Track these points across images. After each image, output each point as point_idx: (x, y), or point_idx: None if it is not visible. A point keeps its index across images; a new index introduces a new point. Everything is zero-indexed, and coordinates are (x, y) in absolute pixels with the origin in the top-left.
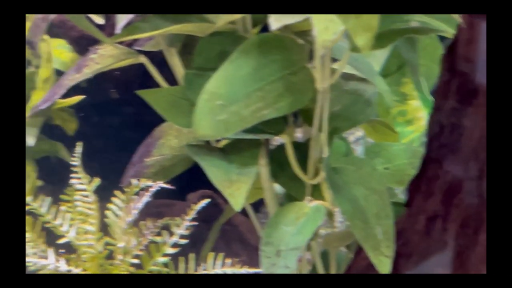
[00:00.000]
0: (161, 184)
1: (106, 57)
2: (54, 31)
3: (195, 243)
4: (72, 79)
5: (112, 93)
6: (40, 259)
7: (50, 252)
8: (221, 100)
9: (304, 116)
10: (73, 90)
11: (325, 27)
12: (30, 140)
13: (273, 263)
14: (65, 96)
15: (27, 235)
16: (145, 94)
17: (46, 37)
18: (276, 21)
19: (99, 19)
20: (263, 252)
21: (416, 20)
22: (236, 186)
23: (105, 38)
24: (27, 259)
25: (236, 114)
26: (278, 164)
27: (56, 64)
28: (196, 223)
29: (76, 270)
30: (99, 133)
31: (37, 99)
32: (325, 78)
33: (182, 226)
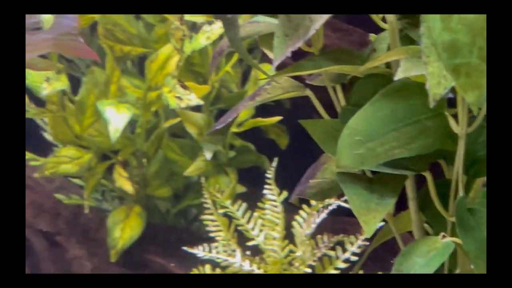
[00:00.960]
0: (338, 202)
1: (276, 88)
2: (264, 58)
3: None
4: (246, 105)
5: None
6: (228, 257)
7: (237, 252)
8: (360, 136)
9: (448, 157)
10: (280, 111)
11: (438, 82)
12: (208, 155)
13: None
14: (270, 115)
15: (222, 234)
16: (306, 124)
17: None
18: (401, 73)
19: (270, 53)
20: None
21: None
22: (372, 215)
23: (266, 73)
24: (218, 255)
25: (372, 150)
26: (426, 198)
27: None
28: (367, 243)
29: (258, 271)
30: (295, 150)
31: (243, 116)
32: (464, 124)
33: (356, 244)
